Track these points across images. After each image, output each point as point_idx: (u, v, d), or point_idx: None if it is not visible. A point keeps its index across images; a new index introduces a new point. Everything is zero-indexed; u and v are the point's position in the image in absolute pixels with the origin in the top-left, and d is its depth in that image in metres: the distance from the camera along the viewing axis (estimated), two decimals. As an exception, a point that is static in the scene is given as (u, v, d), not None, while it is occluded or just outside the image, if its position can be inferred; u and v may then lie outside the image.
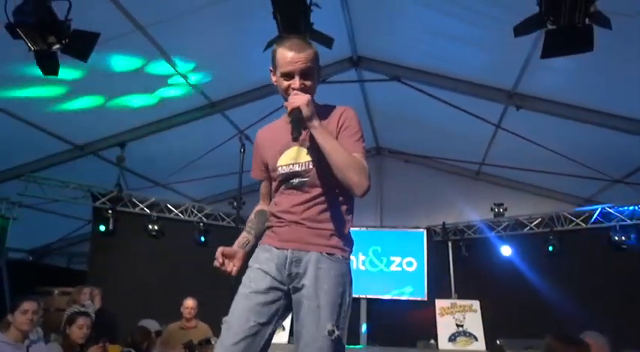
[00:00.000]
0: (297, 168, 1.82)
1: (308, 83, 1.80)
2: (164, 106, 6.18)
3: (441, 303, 7.36)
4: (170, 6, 4.54)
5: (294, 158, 1.84)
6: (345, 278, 1.77)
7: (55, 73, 3.25)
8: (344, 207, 1.86)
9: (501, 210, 7.59)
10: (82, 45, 3.26)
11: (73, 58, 3.26)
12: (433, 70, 5.88)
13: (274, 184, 1.93)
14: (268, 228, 1.90)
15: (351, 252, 1.85)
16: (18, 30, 3.03)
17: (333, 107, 1.91)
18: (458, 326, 7.09)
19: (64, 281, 7.49)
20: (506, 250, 7.45)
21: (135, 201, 7.19)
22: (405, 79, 6.11)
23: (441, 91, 6.02)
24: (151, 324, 5.30)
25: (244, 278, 1.80)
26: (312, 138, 1.76)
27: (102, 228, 6.79)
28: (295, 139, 1.73)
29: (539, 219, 7.42)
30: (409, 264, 8.09)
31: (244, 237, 1.92)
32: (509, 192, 8.29)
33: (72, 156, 6.57)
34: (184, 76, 5.62)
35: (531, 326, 6.12)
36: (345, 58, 6.19)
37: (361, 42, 5.94)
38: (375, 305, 7.87)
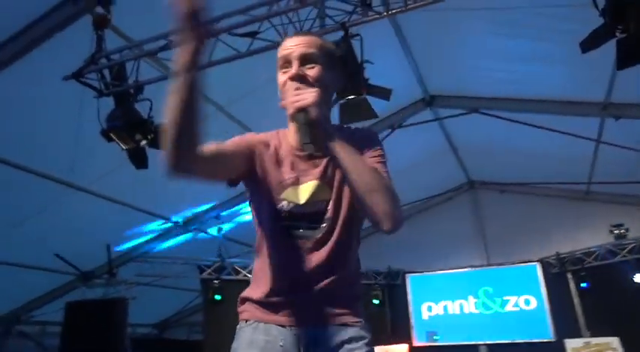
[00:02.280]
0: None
1: (313, 73, 1.28)
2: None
3: (571, 343, 6.63)
4: (240, 84, 4.86)
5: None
6: None
7: (145, 166, 3.57)
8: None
9: (622, 231, 6.77)
10: (166, 137, 3.55)
11: (160, 150, 3.56)
12: (512, 95, 5.60)
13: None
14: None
15: None
16: (111, 134, 3.39)
17: (349, 127, 1.47)
18: (597, 368, 6.29)
19: (185, 354, 7.85)
20: (638, 276, 6.58)
21: (237, 268, 7.49)
22: (485, 109, 5.90)
23: (527, 115, 5.70)
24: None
25: None
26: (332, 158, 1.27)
27: (217, 297, 7.10)
28: (319, 151, 1.29)
29: (672, 236, 6.52)
30: (527, 302, 7.45)
31: None
32: (627, 210, 7.35)
33: (176, 234, 7.06)
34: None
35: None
36: (417, 99, 6.13)
37: (431, 81, 5.85)
38: (496, 352, 7.27)
